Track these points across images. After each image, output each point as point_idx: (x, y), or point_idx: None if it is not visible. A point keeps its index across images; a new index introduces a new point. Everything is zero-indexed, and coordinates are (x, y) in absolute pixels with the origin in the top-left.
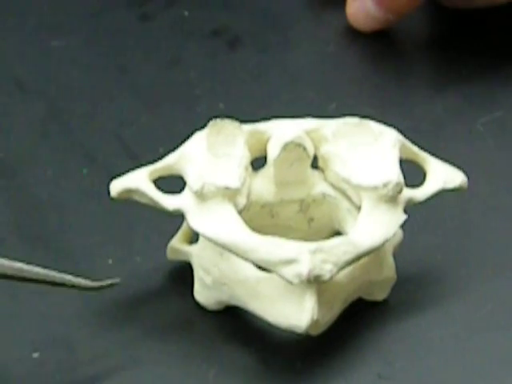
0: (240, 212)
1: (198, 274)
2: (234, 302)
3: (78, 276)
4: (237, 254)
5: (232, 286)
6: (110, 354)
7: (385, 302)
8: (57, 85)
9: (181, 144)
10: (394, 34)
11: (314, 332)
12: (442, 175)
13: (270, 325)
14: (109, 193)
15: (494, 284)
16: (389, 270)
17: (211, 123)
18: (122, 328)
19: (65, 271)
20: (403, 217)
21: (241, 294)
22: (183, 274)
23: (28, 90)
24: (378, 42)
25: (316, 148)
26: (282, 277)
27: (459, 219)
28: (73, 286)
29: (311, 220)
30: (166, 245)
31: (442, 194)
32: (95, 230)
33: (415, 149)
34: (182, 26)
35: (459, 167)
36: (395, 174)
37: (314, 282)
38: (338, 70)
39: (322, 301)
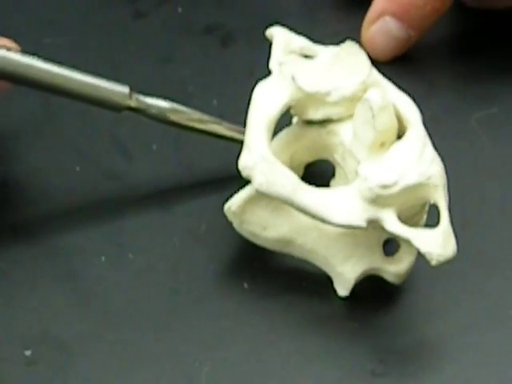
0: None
1: None
2: None
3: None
4: None
5: None
6: (102, 352)
7: (378, 300)
8: None
9: (174, 142)
10: None
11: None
12: (428, 237)
13: (263, 323)
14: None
15: (489, 280)
16: (347, 272)
17: (349, 42)
18: (113, 325)
19: (58, 269)
20: (362, 223)
21: None
22: (176, 271)
23: (21, 88)
24: None
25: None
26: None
27: (453, 214)
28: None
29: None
30: (158, 242)
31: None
32: (88, 227)
33: (442, 202)
34: (175, 23)
35: (453, 163)
36: (380, 180)
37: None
38: None
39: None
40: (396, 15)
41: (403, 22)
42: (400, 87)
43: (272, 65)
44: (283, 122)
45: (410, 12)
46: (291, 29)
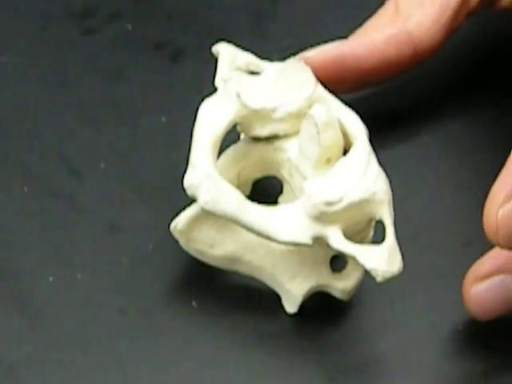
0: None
1: None
2: None
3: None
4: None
5: None
6: (50, 374)
7: (326, 316)
8: None
9: (121, 160)
10: None
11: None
12: (373, 253)
13: (211, 341)
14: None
15: (437, 295)
16: (295, 289)
17: (295, 59)
18: (61, 346)
19: (5, 290)
20: (307, 240)
21: None
22: (125, 290)
23: None
24: None
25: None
26: None
27: (400, 230)
28: None
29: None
30: (107, 262)
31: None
32: (36, 247)
33: (388, 218)
34: (124, 39)
35: (401, 176)
36: (324, 197)
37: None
38: None
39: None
40: None
41: None
42: (347, 102)
43: (217, 82)
44: (232, 138)
45: None
46: (240, 45)
